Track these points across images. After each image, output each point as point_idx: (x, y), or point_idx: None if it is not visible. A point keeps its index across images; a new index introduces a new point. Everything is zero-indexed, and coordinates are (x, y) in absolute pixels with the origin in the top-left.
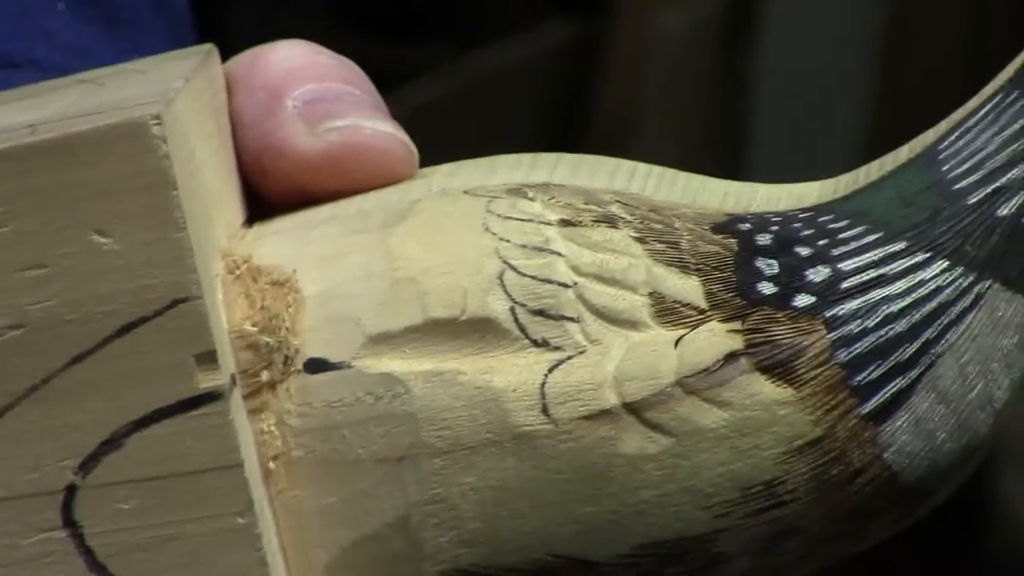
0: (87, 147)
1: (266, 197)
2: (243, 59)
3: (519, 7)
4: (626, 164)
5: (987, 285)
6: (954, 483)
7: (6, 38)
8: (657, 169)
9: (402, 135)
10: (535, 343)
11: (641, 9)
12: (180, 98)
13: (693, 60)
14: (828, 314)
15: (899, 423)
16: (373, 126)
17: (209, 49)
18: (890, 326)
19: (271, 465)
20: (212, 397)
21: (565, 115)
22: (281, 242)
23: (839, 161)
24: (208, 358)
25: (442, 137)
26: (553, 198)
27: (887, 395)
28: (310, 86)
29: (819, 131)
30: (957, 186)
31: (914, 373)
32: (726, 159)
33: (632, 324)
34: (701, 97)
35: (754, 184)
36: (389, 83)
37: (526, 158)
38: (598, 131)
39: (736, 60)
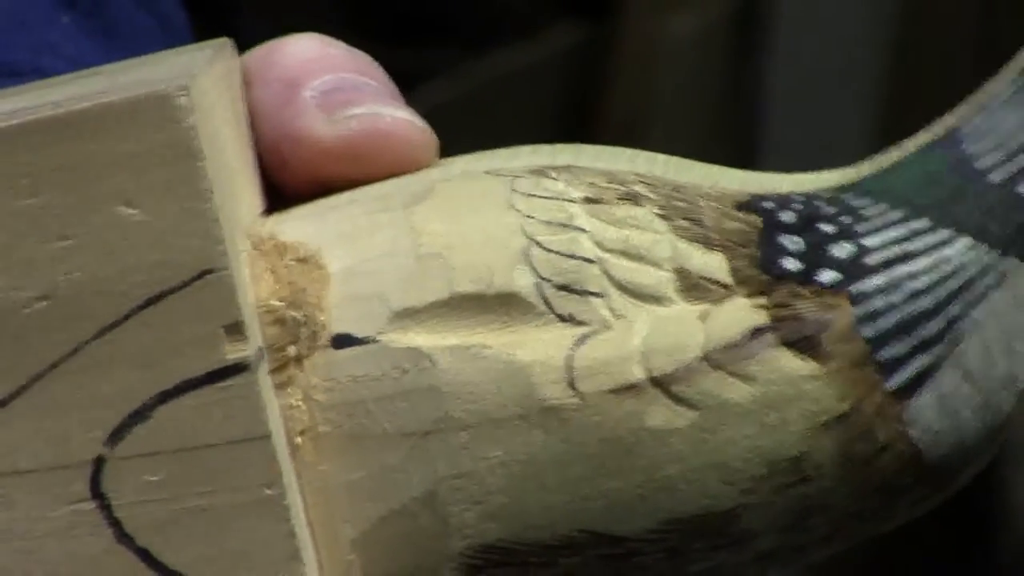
0: (113, 119)
1: (285, 188)
2: (258, 52)
3: (529, 11)
4: (644, 153)
5: (1011, 263)
6: (978, 463)
7: (10, 48)
8: (675, 159)
9: (421, 122)
10: (561, 318)
11: (650, 12)
12: (203, 77)
13: (702, 63)
14: (853, 290)
15: (924, 400)
16: (392, 113)
17: (224, 42)
18: (915, 302)
19: (298, 440)
20: (240, 368)
21: (575, 118)
22: (304, 223)
23: (850, 164)
24: (236, 329)
25: (453, 140)
26: (576, 177)
27: (913, 371)
28: (327, 76)
29: (829, 134)
30: (980, 166)
31: (939, 349)
32: (736, 163)
33: (657, 299)
34: (711, 100)
35: (774, 174)
36: (399, 86)
37: (545, 148)
38: (607, 134)
39: (745, 64)
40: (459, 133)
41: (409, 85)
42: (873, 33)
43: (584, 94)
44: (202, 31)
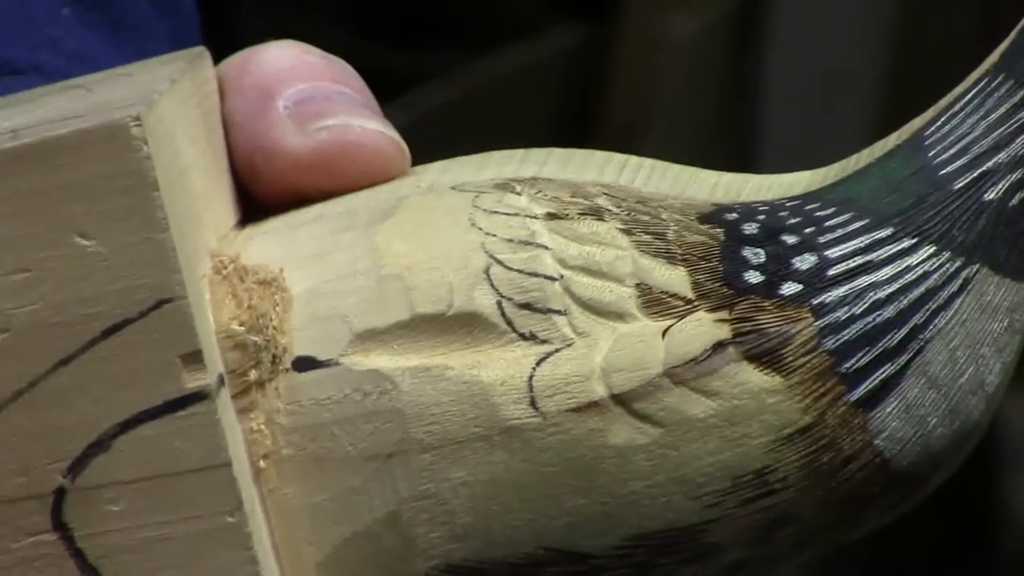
0: (67, 150)
1: (259, 198)
2: (234, 61)
3: (529, 12)
4: (617, 157)
5: (975, 269)
6: (947, 469)
7: (9, 44)
8: (648, 161)
9: (392, 133)
10: (523, 336)
11: (650, 13)
12: (164, 100)
13: (702, 64)
14: (815, 301)
15: (889, 409)
16: (363, 124)
17: (200, 52)
18: (878, 312)
19: (261, 464)
20: (199, 397)
21: (574, 119)
22: (269, 241)
23: None
24: (194, 358)
25: (451, 141)
26: (540, 191)
27: (876, 381)
28: (300, 86)
29: (829, 134)
30: (943, 171)
31: (903, 359)
32: (735, 164)
33: (619, 316)
34: (710, 101)
35: (745, 175)
36: (399, 87)
37: (517, 153)
38: (607, 135)
39: (745, 64)
40: (459, 134)
41: (409, 86)
42: (872, 33)
43: (584, 95)
44: (202, 31)
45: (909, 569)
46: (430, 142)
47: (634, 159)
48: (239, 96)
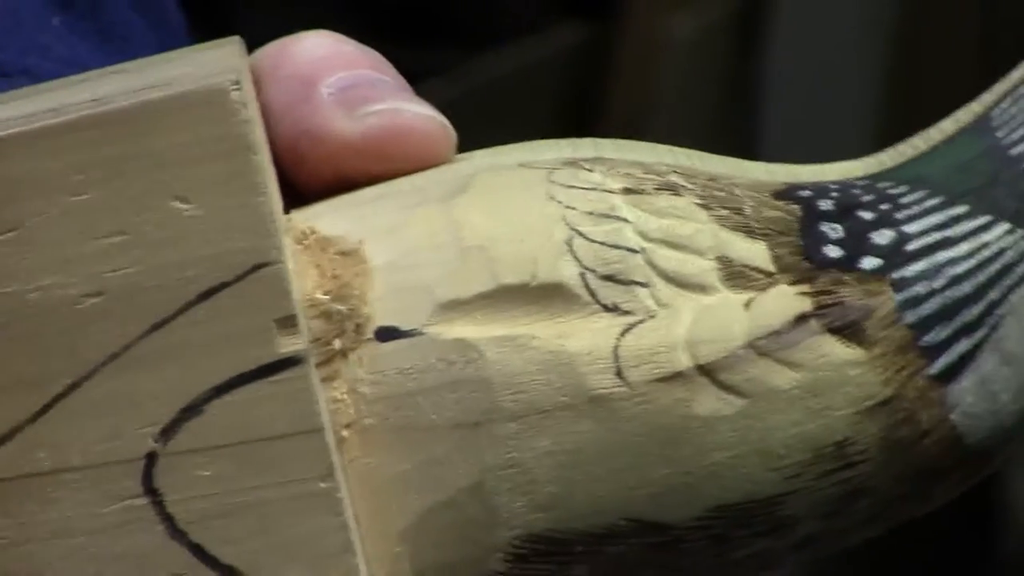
0: (166, 113)
1: (302, 185)
2: (269, 51)
3: (529, 10)
4: (662, 146)
5: None
6: (1014, 446)
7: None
8: (695, 153)
9: (441, 118)
10: (606, 308)
11: (651, 13)
12: (245, 71)
13: (703, 64)
14: (895, 276)
15: (965, 384)
16: (412, 109)
17: (236, 40)
18: (956, 287)
19: (344, 433)
20: (293, 362)
21: (575, 118)
22: (338, 217)
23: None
24: (289, 323)
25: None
26: (612, 169)
27: (954, 356)
28: (342, 73)
29: (830, 133)
30: (1013, 151)
31: (980, 334)
32: None
33: (702, 288)
34: (712, 100)
35: (796, 167)
36: None
37: (564, 141)
38: (609, 134)
39: (746, 64)
40: (461, 132)
41: (411, 84)
42: (873, 33)
43: (585, 93)
44: (200, 30)
45: (910, 569)
46: None
47: (678, 149)
48: (277, 86)
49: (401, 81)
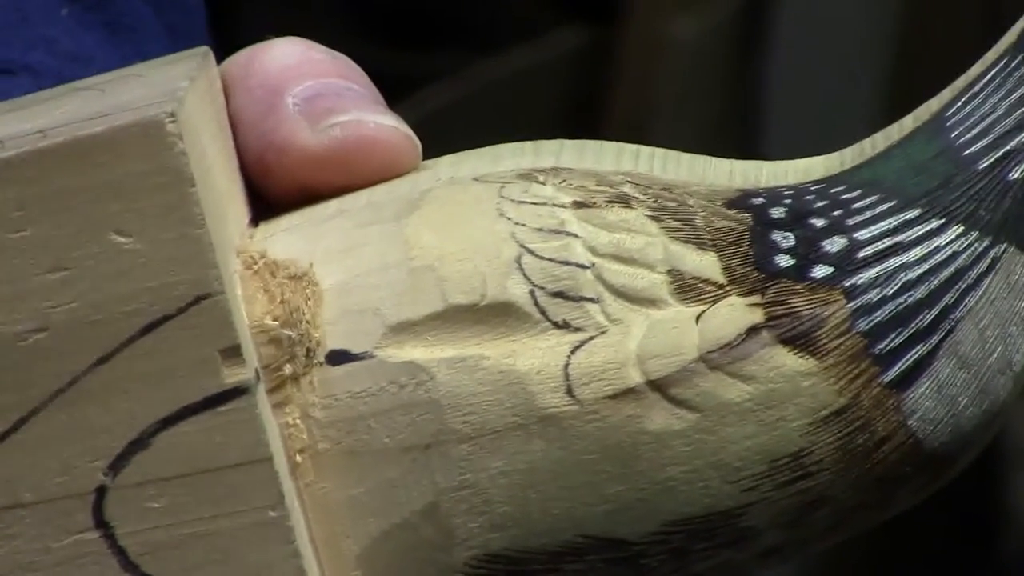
0: (102, 148)
1: (269, 197)
2: (238, 59)
3: (532, 13)
4: (629, 147)
5: (1002, 249)
6: (975, 449)
7: (3, 44)
8: (659, 150)
9: (404, 128)
10: (556, 325)
11: (654, 16)
12: (189, 96)
13: (705, 67)
14: (847, 284)
15: (922, 389)
16: (376, 119)
17: (205, 51)
18: (909, 293)
19: (298, 458)
20: (239, 392)
21: (578, 121)
22: (293, 238)
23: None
24: (233, 352)
25: (455, 143)
26: (564, 181)
27: (909, 362)
28: (309, 83)
29: (832, 137)
30: (967, 152)
31: (934, 339)
32: None
33: (652, 302)
34: (713, 104)
35: (758, 161)
36: (403, 89)
37: (528, 145)
38: (611, 137)
39: (748, 67)
40: (463, 136)
41: (412, 88)
42: (875, 36)
43: (588, 97)
44: (210, 21)
45: (912, 570)
46: (434, 144)
47: (645, 148)
48: (246, 95)
49: (370, 89)
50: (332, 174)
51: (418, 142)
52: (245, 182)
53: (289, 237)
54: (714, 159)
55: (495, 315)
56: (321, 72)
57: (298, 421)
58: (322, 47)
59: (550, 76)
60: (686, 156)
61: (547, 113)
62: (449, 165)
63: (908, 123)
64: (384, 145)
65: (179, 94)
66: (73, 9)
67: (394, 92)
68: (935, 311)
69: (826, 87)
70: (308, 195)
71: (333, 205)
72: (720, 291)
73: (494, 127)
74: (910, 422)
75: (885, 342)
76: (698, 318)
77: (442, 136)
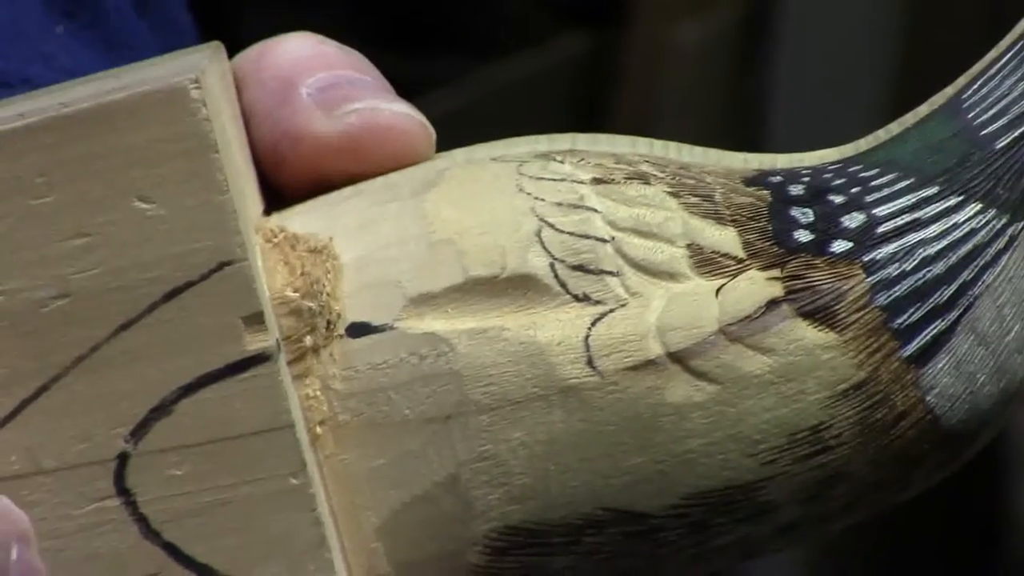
0: (125, 114)
1: (283, 187)
2: (249, 54)
3: (537, 19)
4: (641, 139)
5: (1020, 227)
6: (993, 428)
7: (2, 58)
8: (674, 143)
9: (419, 116)
10: (576, 298)
11: (657, 21)
12: (209, 72)
13: (709, 72)
14: (866, 258)
15: (940, 365)
16: (391, 107)
17: (217, 45)
18: (927, 269)
19: (318, 430)
20: (261, 359)
21: (581, 127)
22: (311, 217)
23: None
24: (255, 320)
25: (461, 147)
26: (582, 160)
27: (928, 337)
28: (321, 74)
29: (836, 142)
30: (984, 132)
31: (953, 315)
32: None
33: (672, 276)
34: (717, 110)
35: (772, 154)
36: (405, 95)
37: (542, 137)
38: None
39: (752, 72)
40: (467, 141)
41: (416, 93)
42: (880, 42)
43: (592, 102)
44: (203, 40)
45: (916, 573)
46: (438, 149)
47: (658, 141)
48: (258, 87)
49: (381, 80)
50: (347, 162)
51: (432, 130)
52: (258, 177)
53: (306, 217)
54: (727, 152)
55: (515, 287)
56: (333, 64)
57: (318, 393)
58: (333, 41)
59: (554, 82)
60: (699, 148)
61: (551, 119)
62: (464, 153)
63: (923, 110)
64: (399, 132)
65: (202, 66)
66: (69, 27)
67: None
68: (953, 287)
69: (830, 93)
70: (322, 185)
71: (349, 190)
72: (740, 265)
73: (498, 133)
74: (928, 398)
75: (904, 317)
76: (718, 291)
77: (446, 142)
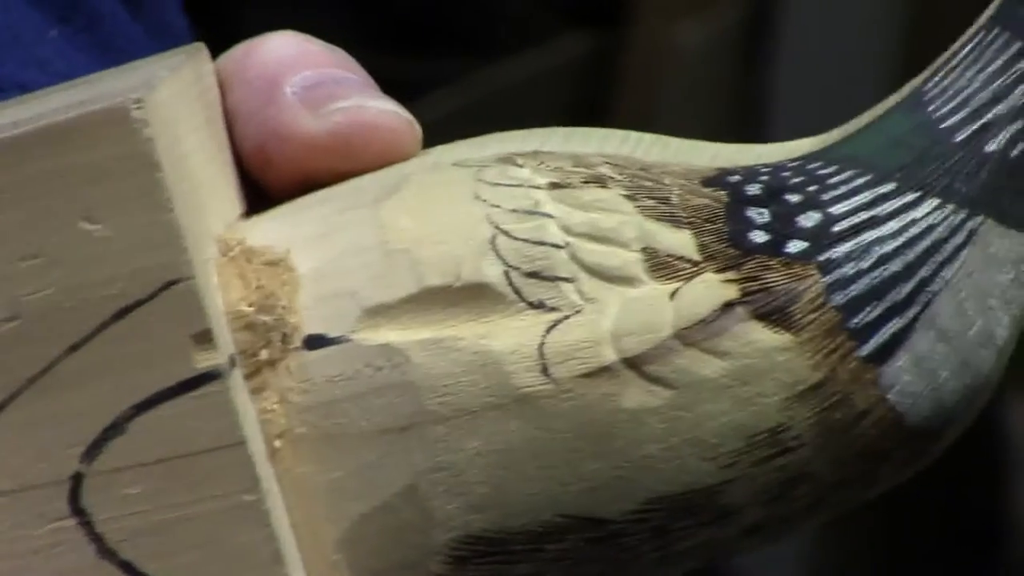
0: (68, 136)
1: (271, 188)
2: (234, 54)
3: (537, 20)
4: (618, 132)
5: (979, 221)
6: (960, 424)
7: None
8: (648, 135)
9: (405, 113)
10: (531, 305)
11: (658, 22)
12: (164, 85)
13: (710, 73)
14: (821, 258)
15: (900, 363)
16: (377, 105)
17: (198, 46)
18: (884, 266)
19: (276, 443)
20: (211, 376)
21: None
22: (274, 225)
23: None
24: (204, 337)
25: None
26: (542, 163)
27: (886, 335)
28: (307, 72)
29: None
30: (944, 125)
31: (912, 312)
32: None
33: (627, 280)
34: (718, 110)
35: (748, 145)
36: (405, 96)
37: (519, 133)
38: None
39: (753, 73)
40: None
41: (416, 94)
42: (881, 43)
43: (592, 103)
44: (205, 37)
45: (916, 573)
46: None
47: (634, 134)
48: (243, 88)
49: (367, 79)
50: (334, 160)
51: (418, 128)
52: (246, 178)
53: (270, 224)
54: (701, 143)
55: (470, 296)
56: (319, 63)
57: (276, 406)
58: (318, 40)
59: (554, 82)
60: (674, 141)
61: (551, 120)
62: (440, 152)
63: (891, 101)
64: (385, 130)
65: (154, 82)
66: (63, 31)
67: (396, 99)
68: (911, 284)
69: (830, 93)
70: (309, 184)
71: (322, 192)
72: (695, 268)
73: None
74: (889, 396)
75: (861, 316)
76: (673, 295)
77: (446, 142)
